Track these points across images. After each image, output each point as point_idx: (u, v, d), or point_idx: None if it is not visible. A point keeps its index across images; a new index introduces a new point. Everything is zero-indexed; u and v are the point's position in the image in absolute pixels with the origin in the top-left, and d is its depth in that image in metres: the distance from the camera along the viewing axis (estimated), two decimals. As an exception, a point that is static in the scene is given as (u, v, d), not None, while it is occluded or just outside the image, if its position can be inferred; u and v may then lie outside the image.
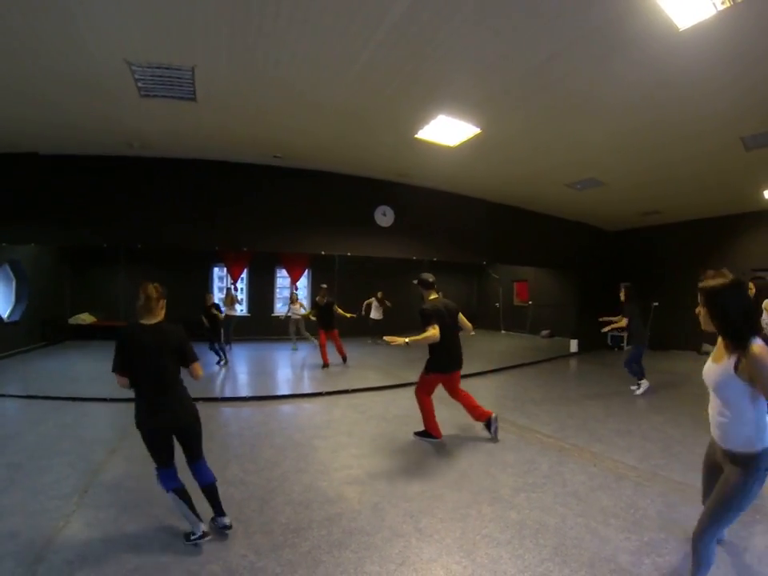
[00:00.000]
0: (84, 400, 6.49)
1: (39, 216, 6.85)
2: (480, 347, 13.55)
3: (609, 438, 5.29)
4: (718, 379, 2.21)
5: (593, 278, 12.31)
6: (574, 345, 12.54)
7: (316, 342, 11.09)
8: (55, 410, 6.02)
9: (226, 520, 3.24)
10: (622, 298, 7.41)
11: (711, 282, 2.21)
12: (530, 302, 16.00)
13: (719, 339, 2.30)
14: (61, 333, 11.80)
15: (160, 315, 3.21)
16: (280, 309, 14.75)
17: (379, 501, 3.72)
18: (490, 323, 17.70)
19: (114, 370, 3.00)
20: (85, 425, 5.53)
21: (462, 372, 8.79)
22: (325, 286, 9.59)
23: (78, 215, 7.02)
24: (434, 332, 4.79)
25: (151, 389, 3.06)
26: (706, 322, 2.27)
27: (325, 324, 9.45)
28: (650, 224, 12.85)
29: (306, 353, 11.67)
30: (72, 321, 12.03)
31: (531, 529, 3.28)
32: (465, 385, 8.16)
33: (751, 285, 4.83)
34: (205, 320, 9.33)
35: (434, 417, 5.31)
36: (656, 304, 12.54)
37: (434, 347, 5.10)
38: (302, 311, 11.73)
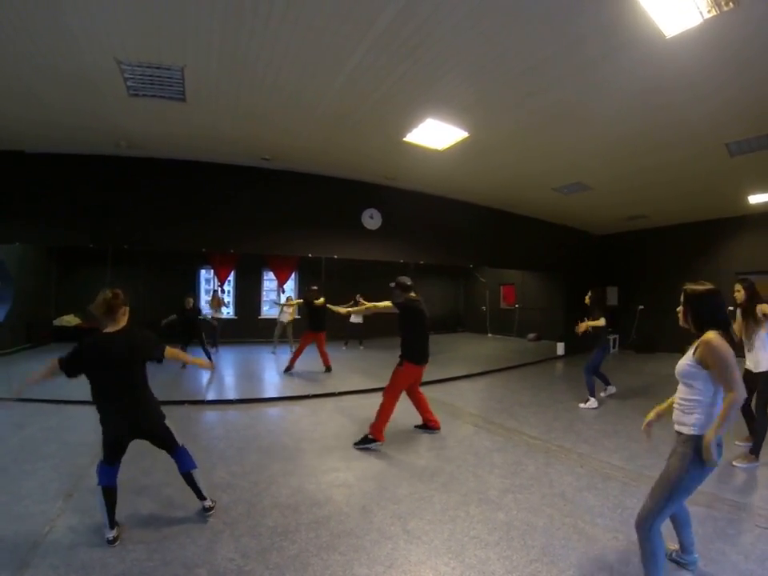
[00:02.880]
0: (68, 403, 6.39)
1: (24, 215, 6.76)
2: (467, 350, 13.61)
3: (595, 440, 5.33)
4: (682, 365, 2.44)
5: (579, 282, 12.39)
6: (560, 348, 12.61)
7: (292, 348, 11.22)
8: (39, 413, 5.93)
9: (207, 503, 3.45)
10: (587, 301, 7.33)
11: (695, 286, 2.49)
12: (517, 306, 16.10)
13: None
14: (46, 334, 11.65)
15: (123, 322, 3.22)
16: (267, 311, 14.72)
17: (367, 503, 3.71)
18: (477, 326, 17.80)
19: (63, 369, 3.03)
20: (69, 428, 5.45)
21: (450, 375, 8.93)
22: (315, 287, 9.52)
23: (64, 215, 6.94)
24: (386, 303, 5.25)
25: (116, 397, 3.12)
26: (683, 320, 2.55)
27: (316, 325, 9.31)
28: (636, 228, 13.02)
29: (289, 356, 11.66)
30: (57, 322, 11.85)
31: (519, 530, 3.29)
32: (453, 387, 8.26)
33: (739, 287, 4.82)
34: (178, 321, 9.23)
35: (387, 421, 5.19)
36: (641, 307, 12.69)
37: (407, 338, 5.34)
38: (288, 315, 11.71)
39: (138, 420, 3.20)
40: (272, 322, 13.32)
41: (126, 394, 3.15)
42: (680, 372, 2.46)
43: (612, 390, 7.59)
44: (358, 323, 12.96)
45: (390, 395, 5.27)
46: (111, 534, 3.05)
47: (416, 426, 5.71)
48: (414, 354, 5.33)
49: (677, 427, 2.47)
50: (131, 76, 4.60)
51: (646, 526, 2.40)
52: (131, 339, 3.17)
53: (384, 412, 5.17)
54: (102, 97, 5.11)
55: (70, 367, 3.04)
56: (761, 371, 4.59)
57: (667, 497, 2.37)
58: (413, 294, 5.39)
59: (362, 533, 3.25)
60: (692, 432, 2.37)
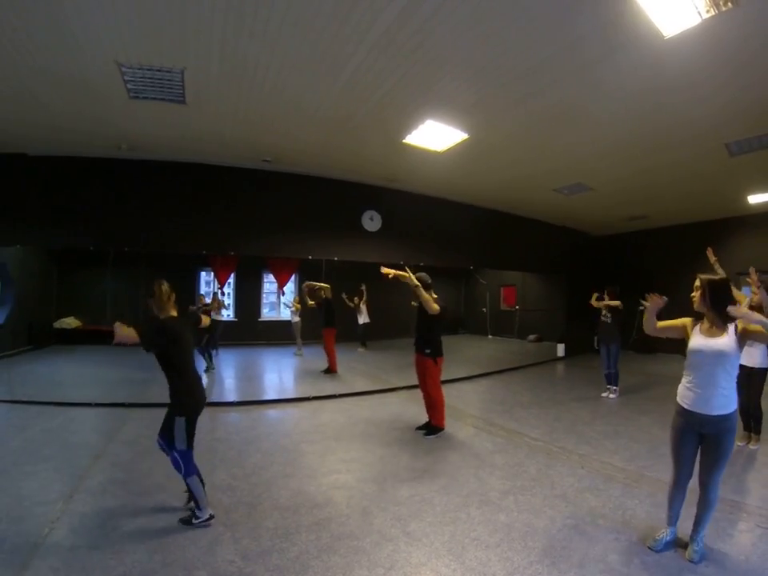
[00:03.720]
0: (70, 405, 6.39)
1: (26, 217, 6.77)
2: (468, 352, 13.59)
3: (596, 441, 5.32)
4: (725, 348, 2.75)
5: (580, 283, 12.38)
6: (561, 349, 12.59)
7: (299, 351, 11.24)
8: (40, 415, 5.93)
9: (206, 512, 3.49)
10: (607, 299, 7.51)
11: (710, 276, 2.94)
12: (517, 307, 16.09)
13: (699, 321, 2.98)
14: (47, 336, 11.66)
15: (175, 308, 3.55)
16: (267, 314, 14.74)
17: (368, 505, 3.71)
18: (478, 328, 17.79)
19: (150, 346, 3.20)
20: (70, 430, 5.45)
21: (451, 376, 8.93)
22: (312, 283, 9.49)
23: (65, 217, 6.96)
24: (436, 306, 5.34)
25: (194, 373, 3.52)
26: (699, 304, 2.94)
27: (329, 321, 9.36)
28: (636, 228, 13.01)
29: (292, 358, 11.66)
30: (57, 325, 11.89)
31: (520, 531, 3.28)
32: (454, 389, 8.26)
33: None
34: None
35: (444, 409, 5.73)
36: (642, 308, 12.64)
37: (435, 335, 5.60)
38: (296, 317, 11.74)
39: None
40: (272, 324, 13.33)
41: (195, 369, 3.59)
42: (721, 354, 2.76)
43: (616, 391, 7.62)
44: (367, 323, 12.95)
45: (437, 391, 5.67)
46: (210, 511, 3.39)
47: (418, 428, 5.73)
48: (441, 349, 5.65)
49: (718, 412, 2.77)
50: (131, 78, 4.61)
51: (717, 486, 2.88)
52: (187, 323, 3.64)
53: (440, 404, 5.66)
54: (103, 99, 5.12)
55: (153, 340, 3.21)
56: (762, 367, 4.99)
57: (726, 462, 2.85)
58: (433, 294, 5.55)
59: (363, 535, 3.24)
60: (734, 408, 2.80)
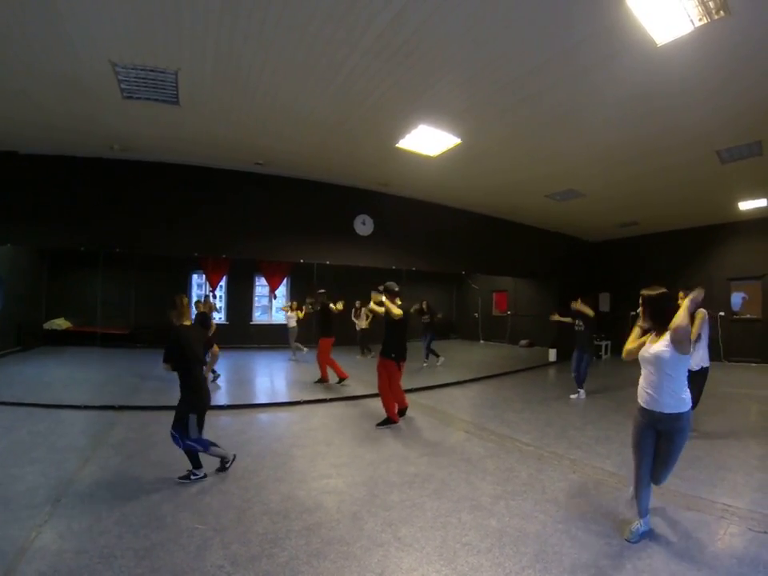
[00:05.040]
0: (58, 407, 6.31)
1: (16, 216, 6.72)
2: (459, 357, 13.58)
3: (587, 445, 5.32)
4: (658, 352, 3.01)
5: (572, 288, 12.42)
6: (552, 354, 12.64)
7: (294, 357, 11.06)
8: (28, 417, 5.85)
9: (201, 472, 4.20)
10: (578, 306, 7.69)
11: (650, 291, 3.15)
12: (509, 312, 16.09)
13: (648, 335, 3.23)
14: (36, 338, 11.53)
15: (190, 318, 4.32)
16: (258, 317, 14.64)
17: (358, 510, 3.68)
18: (469, 333, 17.77)
19: (167, 361, 3.98)
20: (58, 432, 5.38)
21: (442, 381, 8.92)
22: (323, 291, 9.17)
23: (56, 217, 6.91)
24: (398, 312, 5.78)
25: (201, 376, 4.19)
26: (643, 319, 3.21)
27: (328, 329, 8.80)
28: (628, 235, 13.10)
29: (284, 362, 11.60)
30: (47, 326, 11.75)
31: (511, 536, 3.27)
32: (444, 394, 8.26)
33: None
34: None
35: (393, 405, 6.15)
36: (633, 313, 12.70)
37: (389, 338, 6.03)
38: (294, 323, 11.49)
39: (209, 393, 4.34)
40: (264, 328, 13.24)
41: (202, 372, 4.27)
42: (656, 358, 3.04)
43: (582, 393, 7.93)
44: (366, 328, 12.78)
45: (385, 387, 6.14)
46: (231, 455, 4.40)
47: (378, 425, 6.05)
48: (392, 352, 6.02)
49: (669, 410, 3.03)
50: (125, 78, 4.59)
51: (665, 481, 3.27)
52: (198, 330, 4.38)
53: (388, 398, 6.12)
54: (96, 99, 5.10)
55: (173, 359, 3.99)
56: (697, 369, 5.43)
57: (677, 459, 3.12)
58: (398, 301, 5.90)
59: (353, 540, 3.22)
60: (686, 408, 3.04)
